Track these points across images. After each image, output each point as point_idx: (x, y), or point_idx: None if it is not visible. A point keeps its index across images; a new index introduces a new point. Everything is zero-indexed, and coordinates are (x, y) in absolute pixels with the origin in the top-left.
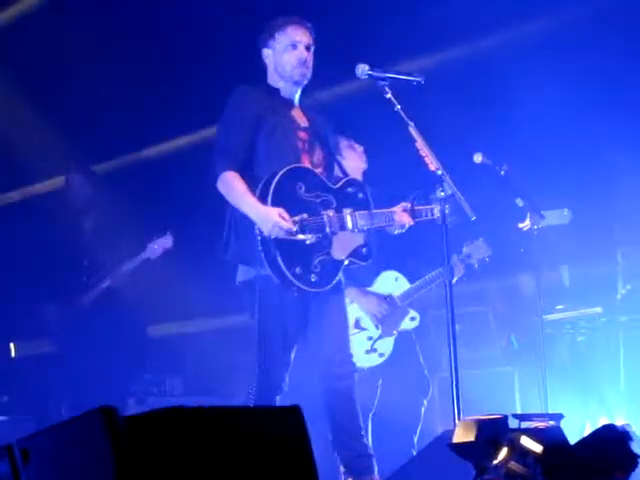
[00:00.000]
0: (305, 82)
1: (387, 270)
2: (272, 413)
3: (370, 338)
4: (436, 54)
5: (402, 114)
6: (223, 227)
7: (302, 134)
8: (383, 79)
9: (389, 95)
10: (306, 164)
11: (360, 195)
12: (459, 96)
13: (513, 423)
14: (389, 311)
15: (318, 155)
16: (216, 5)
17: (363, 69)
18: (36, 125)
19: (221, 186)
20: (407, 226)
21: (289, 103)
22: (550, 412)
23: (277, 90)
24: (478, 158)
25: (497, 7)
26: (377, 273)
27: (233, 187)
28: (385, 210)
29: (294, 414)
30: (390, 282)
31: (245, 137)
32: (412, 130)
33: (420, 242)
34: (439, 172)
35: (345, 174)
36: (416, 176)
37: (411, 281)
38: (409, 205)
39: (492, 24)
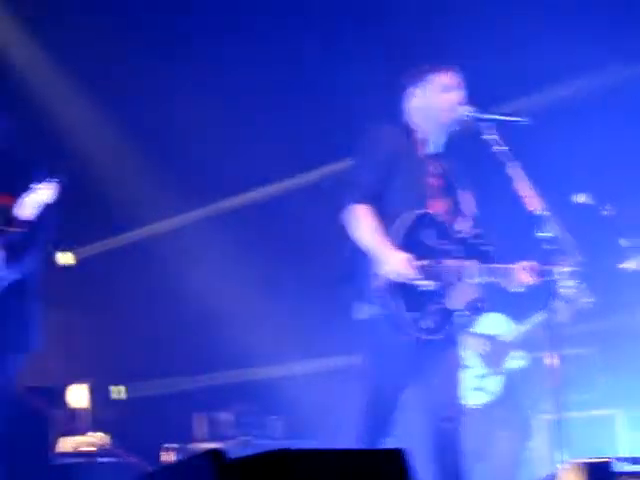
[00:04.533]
0: (452, 128)
1: (491, 311)
2: (377, 455)
3: (477, 376)
4: (533, 96)
5: (505, 155)
6: (341, 262)
7: (434, 181)
8: (487, 120)
9: (493, 136)
10: (435, 210)
11: (484, 248)
12: (556, 137)
13: (618, 467)
14: (494, 350)
15: (446, 203)
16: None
17: (465, 110)
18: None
19: (349, 218)
20: (526, 284)
21: (425, 146)
22: None
23: (415, 131)
24: (580, 198)
25: (591, 49)
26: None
27: (361, 222)
28: (506, 266)
29: (398, 457)
30: (494, 323)
31: (378, 175)
32: (514, 171)
33: None
34: (543, 213)
35: (471, 226)
36: (515, 217)
37: (516, 322)
38: (533, 263)
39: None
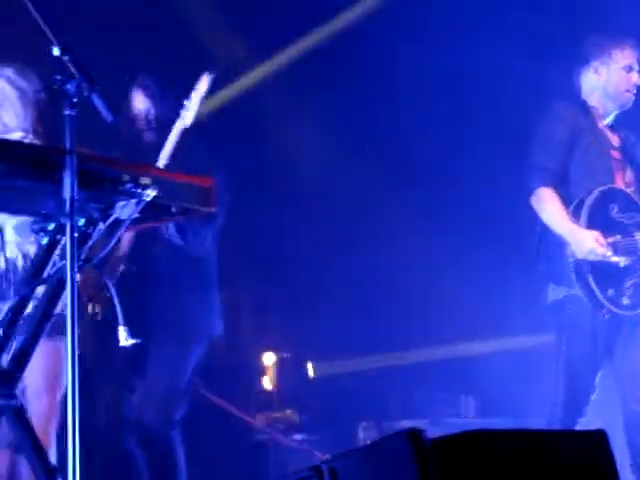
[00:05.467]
0: (629, 105)
1: None
2: (576, 437)
3: None
4: None
5: None
6: (532, 243)
7: (615, 153)
8: None
9: None
10: (619, 184)
11: None
12: None
13: None
14: None
15: (630, 175)
16: None
17: None
18: None
19: (535, 202)
20: None
21: (603, 119)
22: None
23: (593, 108)
24: None
25: None
26: None
27: (549, 205)
28: None
29: (599, 438)
30: None
31: (561, 155)
32: None
33: None
34: None
35: None
36: None
37: None
38: None
39: None
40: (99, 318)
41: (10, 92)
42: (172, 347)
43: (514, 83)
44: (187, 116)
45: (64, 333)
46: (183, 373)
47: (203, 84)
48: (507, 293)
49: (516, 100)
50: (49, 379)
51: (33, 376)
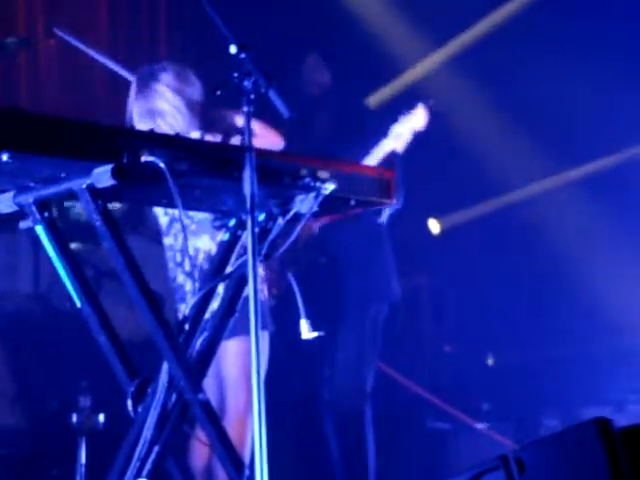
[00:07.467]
0: None
1: None
2: None
3: None
4: None
5: None
6: None
7: None
8: None
9: None
10: None
11: None
12: None
13: None
14: None
15: None
16: None
17: None
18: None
19: None
20: None
21: None
22: None
23: None
24: None
25: None
26: None
27: None
28: None
29: None
30: None
31: None
32: None
33: None
34: None
35: None
36: None
37: None
38: None
39: None
40: (273, 303)
41: (174, 99)
42: (355, 313)
43: None
44: (397, 143)
45: (263, 328)
46: (368, 335)
47: (419, 116)
48: None
49: None
50: (246, 374)
51: (231, 371)
